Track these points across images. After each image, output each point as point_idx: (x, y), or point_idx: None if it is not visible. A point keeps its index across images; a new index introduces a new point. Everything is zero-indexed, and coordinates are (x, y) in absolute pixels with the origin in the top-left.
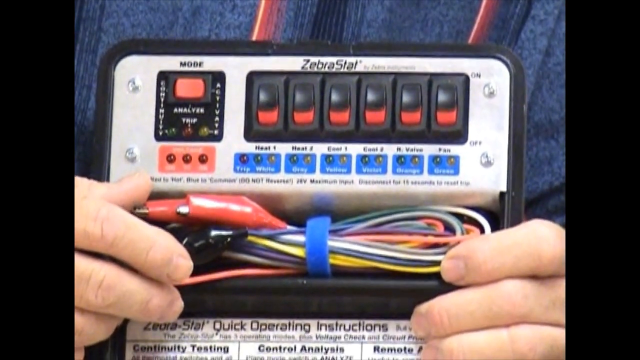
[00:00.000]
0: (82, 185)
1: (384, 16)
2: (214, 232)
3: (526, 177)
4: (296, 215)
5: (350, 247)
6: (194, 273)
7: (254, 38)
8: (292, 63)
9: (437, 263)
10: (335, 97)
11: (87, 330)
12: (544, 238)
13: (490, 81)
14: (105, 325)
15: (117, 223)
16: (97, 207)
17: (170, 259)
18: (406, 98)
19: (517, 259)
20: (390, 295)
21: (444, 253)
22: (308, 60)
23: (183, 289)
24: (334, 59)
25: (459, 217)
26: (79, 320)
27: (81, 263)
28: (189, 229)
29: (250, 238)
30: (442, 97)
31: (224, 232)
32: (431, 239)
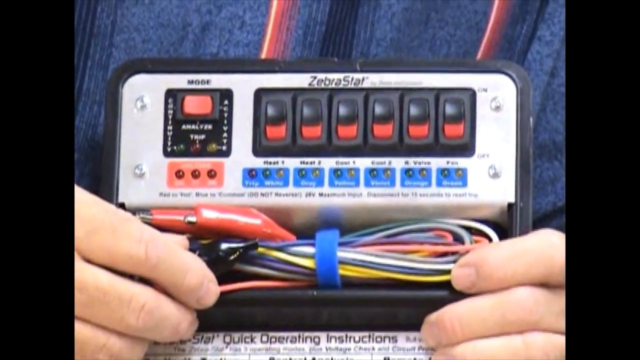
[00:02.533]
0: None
1: (393, 35)
2: (224, 245)
3: (532, 169)
4: (305, 230)
5: (361, 258)
6: None
7: (263, 56)
8: (300, 80)
9: (448, 272)
10: (342, 111)
11: (124, 354)
12: (555, 246)
13: (497, 95)
14: (140, 348)
15: (161, 246)
16: (141, 230)
17: (202, 284)
18: (414, 111)
19: (528, 265)
20: (400, 306)
21: (455, 262)
22: (315, 77)
23: None
24: (341, 76)
25: (467, 230)
26: (117, 343)
27: (122, 285)
28: (198, 243)
29: (260, 250)
30: (449, 110)
31: (234, 245)
32: (442, 248)
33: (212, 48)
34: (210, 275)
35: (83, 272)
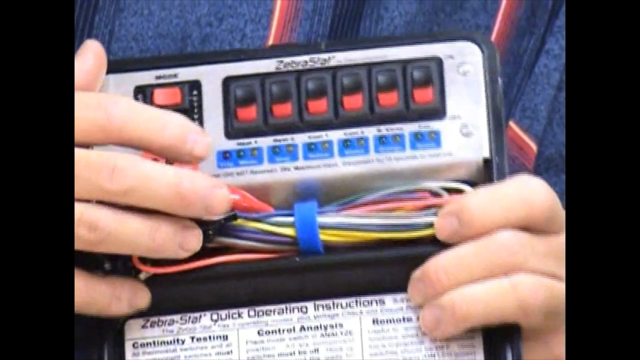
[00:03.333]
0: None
1: None
2: (203, 219)
3: (504, 125)
4: (284, 206)
5: (342, 220)
6: (185, 261)
7: None
8: (267, 65)
9: (431, 225)
10: (311, 87)
11: (106, 223)
12: (534, 188)
13: (464, 61)
14: (131, 219)
15: (124, 104)
16: (97, 96)
17: (187, 133)
18: (382, 80)
19: (509, 209)
20: (385, 265)
21: (434, 215)
22: (282, 61)
23: (176, 280)
24: (307, 57)
25: (446, 191)
26: (95, 211)
27: (92, 153)
28: None
29: (239, 221)
30: (417, 75)
31: (213, 217)
32: (423, 202)
33: None
34: (193, 126)
35: None
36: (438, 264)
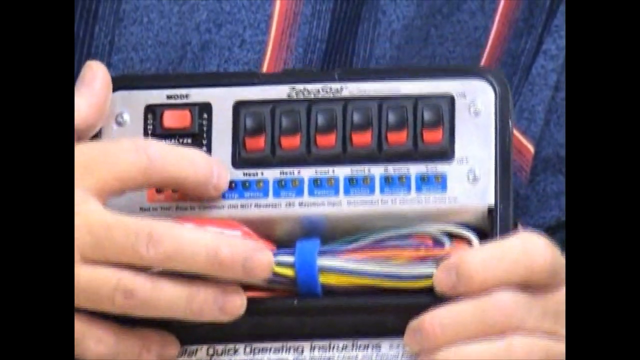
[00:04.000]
0: None
1: (392, 53)
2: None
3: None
4: (287, 240)
5: (341, 265)
6: None
7: None
8: (278, 92)
9: (430, 276)
10: (321, 120)
11: (143, 291)
12: (534, 248)
13: (475, 100)
14: (166, 285)
15: (158, 145)
16: (132, 140)
17: (213, 167)
18: (392, 118)
19: (508, 269)
20: (382, 313)
21: (436, 266)
22: (294, 88)
23: None
24: (319, 86)
25: (448, 235)
26: (132, 279)
27: (127, 219)
28: None
29: None
30: (427, 116)
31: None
32: (422, 252)
33: (212, 66)
34: (214, 159)
35: (89, 214)
36: (434, 318)
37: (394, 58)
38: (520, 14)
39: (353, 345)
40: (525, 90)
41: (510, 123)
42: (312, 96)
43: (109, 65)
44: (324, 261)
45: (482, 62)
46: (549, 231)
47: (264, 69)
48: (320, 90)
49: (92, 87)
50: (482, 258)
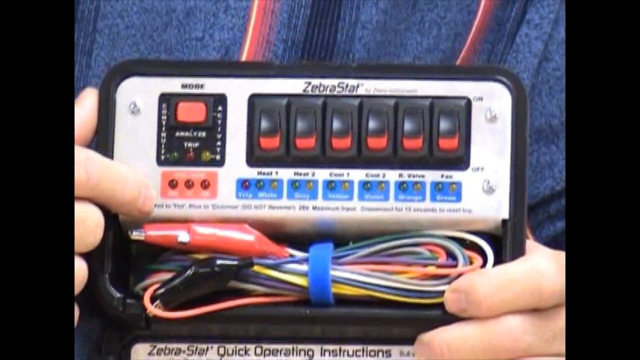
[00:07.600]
0: None
1: (379, 18)
2: (219, 262)
3: (528, 182)
4: (299, 238)
5: (352, 277)
6: (199, 302)
7: (247, 39)
8: (294, 85)
9: (438, 294)
10: (336, 123)
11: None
12: (543, 273)
13: (492, 105)
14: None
15: (98, 164)
16: (77, 153)
17: (141, 191)
18: (408, 124)
19: (517, 295)
20: (392, 324)
21: (445, 284)
22: (310, 83)
23: (188, 319)
24: (335, 82)
25: (462, 242)
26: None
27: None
28: (192, 258)
29: (255, 268)
30: (444, 123)
31: (229, 262)
32: (431, 270)
33: (197, 32)
34: (145, 181)
35: None
36: (442, 339)
37: (380, 23)
38: None
39: (363, 351)
40: (510, 58)
41: (526, 130)
42: (327, 92)
43: (94, 31)
44: (337, 272)
45: (473, 28)
46: (544, 201)
47: (249, 33)
48: (337, 87)
49: (82, 104)
50: (490, 285)
